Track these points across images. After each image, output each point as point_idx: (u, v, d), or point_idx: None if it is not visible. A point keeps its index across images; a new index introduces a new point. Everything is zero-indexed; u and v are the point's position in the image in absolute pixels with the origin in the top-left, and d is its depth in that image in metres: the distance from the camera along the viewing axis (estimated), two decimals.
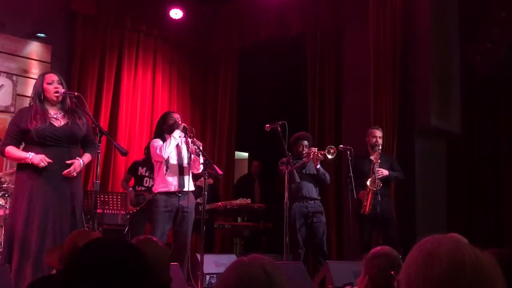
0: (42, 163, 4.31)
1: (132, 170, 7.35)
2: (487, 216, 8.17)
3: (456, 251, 1.32)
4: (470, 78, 8.04)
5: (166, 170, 5.52)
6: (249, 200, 7.61)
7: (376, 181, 6.30)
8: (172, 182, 5.55)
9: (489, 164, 8.32)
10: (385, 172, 6.43)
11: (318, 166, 6.45)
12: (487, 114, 8.39)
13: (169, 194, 5.54)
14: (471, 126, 8.24)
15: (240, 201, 7.56)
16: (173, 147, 5.55)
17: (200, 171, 5.63)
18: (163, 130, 5.70)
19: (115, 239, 1.51)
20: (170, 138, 5.53)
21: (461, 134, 7.89)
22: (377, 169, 6.36)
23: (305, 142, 6.62)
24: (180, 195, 5.54)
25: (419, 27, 7.45)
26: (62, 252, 2.67)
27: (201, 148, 5.52)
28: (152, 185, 7.18)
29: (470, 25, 7.82)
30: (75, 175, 4.48)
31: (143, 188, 7.16)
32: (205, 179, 5.32)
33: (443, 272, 1.30)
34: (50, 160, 4.34)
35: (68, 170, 4.41)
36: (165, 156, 5.49)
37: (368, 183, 6.33)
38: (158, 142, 5.60)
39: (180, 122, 5.60)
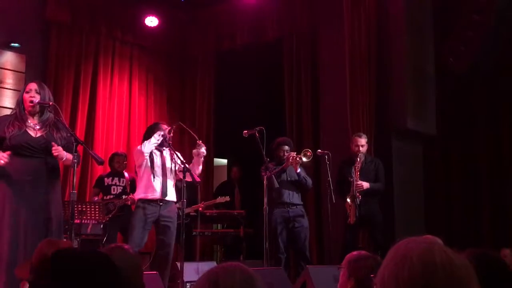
0: (2, 161, 4.25)
1: (98, 183, 7.49)
2: (465, 217, 8.25)
3: (427, 253, 1.34)
4: (444, 79, 8.13)
5: (154, 177, 5.55)
6: (228, 198, 7.72)
7: (356, 194, 6.32)
8: (156, 188, 5.56)
9: (465, 164, 8.42)
10: (365, 185, 6.40)
11: (299, 171, 6.44)
12: (462, 115, 8.49)
13: (150, 201, 5.52)
14: (447, 127, 8.33)
15: (219, 199, 7.78)
16: (153, 145, 5.58)
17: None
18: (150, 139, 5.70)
19: (83, 249, 1.49)
20: (152, 137, 5.57)
21: (437, 135, 7.97)
22: (356, 182, 6.35)
23: (286, 147, 6.62)
24: (161, 204, 5.53)
25: (394, 29, 7.52)
26: (31, 262, 2.65)
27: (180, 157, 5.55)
28: (120, 192, 7.22)
29: (444, 26, 7.92)
30: (64, 157, 4.44)
31: (111, 196, 7.23)
32: (183, 186, 5.29)
33: (414, 273, 1.31)
34: (6, 160, 4.27)
35: (55, 148, 4.37)
36: (146, 151, 5.53)
37: (348, 200, 6.35)
38: (142, 156, 5.64)
39: (167, 134, 5.60)
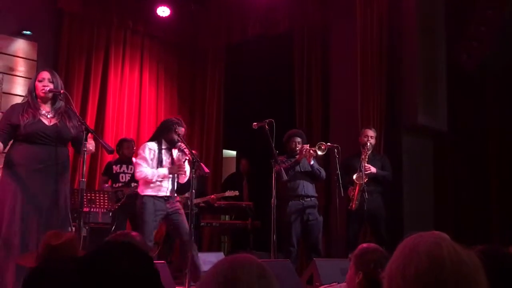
0: None
1: (107, 171, 7.46)
2: (474, 214, 8.22)
3: (435, 248, 1.32)
4: (456, 76, 8.08)
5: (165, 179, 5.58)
6: (237, 192, 7.76)
7: (363, 176, 6.32)
8: (166, 186, 5.60)
9: (475, 161, 8.37)
10: (373, 169, 6.45)
11: (312, 162, 6.43)
12: (473, 112, 8.44)
13: (159, 198, 5.55)
14: (458, 124, 8.29)
15: (228, 193, 7.77)
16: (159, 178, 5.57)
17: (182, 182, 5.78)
18: (163, 137, 5.67)
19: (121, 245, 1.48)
20: (161, 173, 5.54)
21: (448, 132, 7.92)
22: (365, 165, 6.39)
23: (298, 139, 6.60)
24: (167, 199, 5.58)
25: (406, 25, 7.48)
26: (37, 252, 2.67)
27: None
28: (129, 180, 7.22)
29: (457, 23, 7.86)
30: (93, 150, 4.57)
31: (120, 184, 7.22)
32: (192, 177, 5.30)
33: (421, 268, 1.31)
34: None
35: (90, 143, 4.48)
36: (150, 178, 5.52)
37: (354, 177, 6.36)
38: (149, 152, 5.58)
39: (180, 141, 5.54)
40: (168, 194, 5.60)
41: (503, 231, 7.98)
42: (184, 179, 5.69)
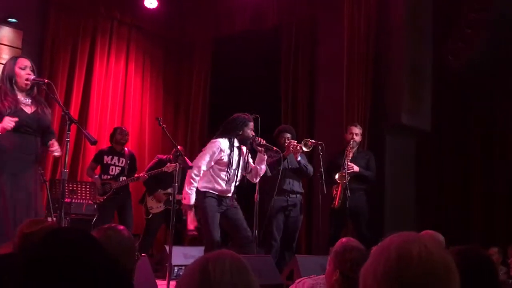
0: (10, 124, 4.23)
1: (98, 158, 7.26)
2: (455, 213, 8.30)
3: (405, 246, 1.31)
4: (441, 77, 8.15)
5: (228, 179, 5.34)
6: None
7: (345, 175, 6.34)
8: (228, 188, 5.37)
9: (457, 161, 8.46)
10: (356, 168, 6.47)
11: (299, 159, 6.42)
12: (457, 112, 8.53)
13: (219, 197, 5.37)
14: (441, 124, 8.36)
15: None
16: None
17: (257, 181, 5.60)
18: (234, 135, 5.40)
19: (72, 229, 1.48)
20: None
21: (431, 132, 7.99)
22: (348, 164, 6.41)
23: (288, 135, 6.58)
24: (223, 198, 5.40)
25: (393, 24, 7.52)
26: (14, 241, 2.65)
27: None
28: (118, 173, 7.16)
29: (443, 24, 7.92)
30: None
31: (108, 177, 7.10)
32: (175, 171, 5.28)
33: (390, 265, 1.29)
34: (16, 118, 4.25)
35: (55, 148, 4.40)
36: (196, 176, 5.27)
37: (336, 176, 6.38)
38: (218, 152, 5.31)
39: (254, 136, 5.36)
40: (226, 195, 5.40)
41: (484, 231, 8.09)
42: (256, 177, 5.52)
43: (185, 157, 5.41)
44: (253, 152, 5.58)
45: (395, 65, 7.45)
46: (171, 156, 7.11)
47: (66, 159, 4.38)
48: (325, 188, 6.25)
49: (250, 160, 5.51)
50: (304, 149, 6.31)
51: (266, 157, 5.47)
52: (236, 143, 5.38)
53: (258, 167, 5.46)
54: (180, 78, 9.94)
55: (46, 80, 4.55)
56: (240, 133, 5.37)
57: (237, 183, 5.47)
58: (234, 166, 5.36)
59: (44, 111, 4.51)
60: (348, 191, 6.32)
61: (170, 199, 5.40)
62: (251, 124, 5.41)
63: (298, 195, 6.46)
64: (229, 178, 5.33)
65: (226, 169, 5.31)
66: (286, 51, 8.81)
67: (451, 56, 7.49)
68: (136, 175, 7.16)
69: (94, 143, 4.58)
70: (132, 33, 9.31)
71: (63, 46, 8.33)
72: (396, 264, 1.29)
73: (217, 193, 5.33)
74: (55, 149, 4.42)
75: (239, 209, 5.48)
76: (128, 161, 7.21)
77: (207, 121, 9.75)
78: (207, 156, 5.30)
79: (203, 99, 9.75)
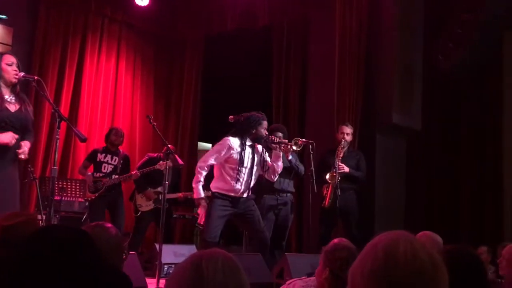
0: (13, 140, 4.22)
1: (91, 157, 7.23)
2: (445, 213, 8.34)
3: (392, 244, 1.31)
4: (431, 76, 8.19)
5: (239, 178, 5.27)
6: (209, 193, 7.60)
7: (336, 175, 6.35)
8: (239, 188, 5.30)
9: (447, 161, 8.49)
10: (346, 169, 6.48)
11: (290, 158, 6.41)
12: (447, 112, 8.57)
13: (229, 197, 5.31)
14: (431, 124, 8.40)
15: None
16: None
17: (275, 179, 5.54)
18: (247, 134, 5.34)
19: (65, 225, 1.48)
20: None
21: (421, 131, 8.02)
22: (338, 164, 6.42)
23: (279, 134, 6.56)
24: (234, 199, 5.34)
25: (384, 24, 7.54)
26: None
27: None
28: (111, 171, 7.13)
29: (434, 24, 7.95)
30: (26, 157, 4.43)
31: (101, 175, 7.07)
32: (166, 168, 5.27)
33: (376, 264, 1.29)
34: (16, 136, 4.24)
35: (23, 150, 4.35)
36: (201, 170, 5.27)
37: (327, 177, 6.39)
38: (228, 149, 5.27)
39: (267, 135, 5.33)
40: (239, 195, 5.35)
41: (473, 230, 8.13)
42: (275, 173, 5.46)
43: (176, 155, 5.40)
44: (269, 150, 5.57)
45: (386, 65, 7.47)
46: (162, 154, 7.09)
47: (56, 156, 4.36)
48: (315, 187, 6.25)
49: (268, 159, 5.47)
50: (294, 148, 6.31)
51: (281, 153, 5.43)
52: (248, 142, 5.32)
53: (275, 165, 5.42)
54: (171, 76, 9.92)
55: (36, 77, 4.52)
56: (254, 131, 5.33)
57: (252, 182, 5.39)
58: (246, 165, 5.29)
59: (27, 109, 4.48)
60: (339, 190, 6.33)
61: (160, 197, 5.38)
62: (265, 123, 5.38)
63: (288, 194, 6.46)
64: (241, 178, 5.27)
65: (237, 168, 5.25)
66: (278, 50, 8.82)
67: (442, 56, 7.52)
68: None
69: (84, 140, 4.55)
70: (123, 30, 9.28)
71: (54, 43, 8.28)
72: (384, 263, 1.29)
73: (226, 193, 5.27)
74: (22, 151, 4.36)
75: (256, 210, 5.42)
76: (122, 161, 7.19)
77: (198, 119, 9.74)
78: (215, 152, 5.31)
79: (194, 97, 9.73)
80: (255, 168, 5.38)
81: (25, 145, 4.40)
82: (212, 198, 5.30)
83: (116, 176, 7.04)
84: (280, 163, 5.43)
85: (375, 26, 7.60)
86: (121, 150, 7.32)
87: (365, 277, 1.31)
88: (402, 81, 7.53)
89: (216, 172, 5.37)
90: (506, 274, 3.76)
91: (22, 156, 4.39)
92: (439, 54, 7.59)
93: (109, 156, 7.15)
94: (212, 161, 5.28)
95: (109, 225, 2.42)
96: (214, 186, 5.32)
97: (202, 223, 5.41)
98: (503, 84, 8.26)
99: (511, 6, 7.75)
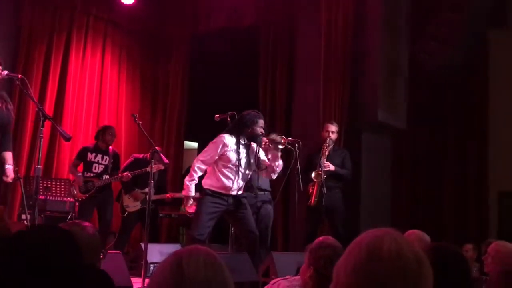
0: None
1: (81, 155, 7.14)
2: (430, 211, 8.40)
3: (376, 241, 1.30)
4: (417, 75, 8.24)
5: (232, 176, 5.22)
6: (197, 195, 7.58)
7: (321, 173, 6.36)
8: (232, 186, 5.26)
9: (433, 159, 8.56)
10: (331, 167, 6.49)
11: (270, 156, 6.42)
12: (433, 110, 8.63)
13: (220, 194, 5.28)
14: (417, 121, 8.46)
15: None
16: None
17: (274, 177, 5.49)
18: (242, 132, 5.27)
19: (46, 225, 1.48)
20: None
21: (407, 129, 8.07)
22: (324, 162, 6.43)
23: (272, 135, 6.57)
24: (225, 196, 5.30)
25: (370, 23, 7.56)
26: None
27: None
28: (101, 171, 7.08)
29: (419, 23, 7.99)
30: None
31: (92, 175, 7.00)
32: (151, 168, 5.26)
33: (360, 260, 1.29)
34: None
35: (6, 178, 4.32)
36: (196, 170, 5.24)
37: (312, 175, 6.40)
38: (220, 146, 5.18)
39: (262, 134, 5.25)
40: (234, 193, 5.33)
41: (458, 228, 8.19)
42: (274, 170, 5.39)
43: (161, 154, 5.38)
44: (265, 150, 5.55)
45: (372, 63, 7.50)
46: (148, 155, 7.06)
47: (40, 155, 4.33)
48: (301, 186, 6.27)
49: (264, 158, 5.41)
50: (280, 147, 6.31)
51: (279, 153, 5.37)
52: (243, 140, 5.26)
53: (273, 164, 5.35)
54: (157, 75, 9.86)
55: (19, 76, 4.47)
56: (249, 130, 5.25)
57: (245, 181, 5.36)
58: (240, 164, 5.24)
59: (8, 108, 4.44)
60: (324, 188, 6.34)
61: (147, 198, 5.36)
62: (261, 122, 5.29)
63: (266, 193, 6.46)
64: (234, 176, 5.23)
65: (230, 166, 5.21)
66: (264, 49, 8.81)
67: (426, 55, 7.56)
68: (120, 174, 7.06)
69: (68, 139, 4.53)
70: (109, 29, 9.21)
71: (39, 41, 8.21)
72: (367, 260, 1.28)
73: (218, 190, 5.23)
74: (7, 176, 4.36)
75: (248, 209, 5.39)
76: (112, 160, 7.13)
77: (185, 118, 9.71)
78: (209, 149, 5.25)
79: (180, 96, 9.69)
80: (248, 167, 5.35)
81: (9, 172, 4.37)
82: (203, 194, 5.26)
83: (107, 177, 6.99)
84: (278, 162, 5.37)
85: (360, 25, 7.63)
86: (110, 147, 7.25)
87: (349, 274, 1.30)
88: (387, 79, 7.57)
89: (209, 168, 5.34)
90: (491, 271, 3.80)
91: (9, 180, 4.37)
92: (424, 53, 7.63)
93: (99, 156, 7.07)
94: (206, 158, 5.24)
95: (87, 223, 2.40)
96: (206, 182, 5.29)
97: (192, 212, 5.40)
98: (488, 82, 8.34)
99: (495, 4, 7.84)
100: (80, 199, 6.92)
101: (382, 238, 1.31)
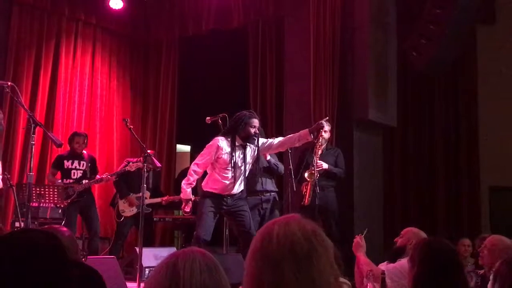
0: None
1: (57, 164, 7.11)
2: (422, 208, 8.44)
3: (269, 226, 1.46)
4: (406, 73, 8.28)
5: (229, 178, 5.23)
6: (193, 198, 7.60)
7: (314, 173, 6.37)
8: (230, 187, 5.28)
9: (424, 156, 8.60)
10: (325, 166, 6.49)
11: (269, 158, 6.42)
12: (423, 107, 8.67)
13: (219, 195, 5.30)
14: (407, 119, 8.50)
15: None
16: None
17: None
18: (236, 133, 5.23)
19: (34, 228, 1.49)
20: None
21: (397, 127, 8.11)
22: (317, 162, 6.43)
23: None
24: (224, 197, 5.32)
25: (358, 21, 7.58)
26: None
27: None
28: (80, 177, 7.05)
29: (408, 20, 8.02)
30: None
31: (71, 181, 6.98)
32: (144, 171, 5.26)
33: (256, 246, 1.44)
34: None
35: None
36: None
37: (306, 175, 6.40)
38: (216, 150, 5.21)
39: (256, 132, 5.23)
40: (230, 193, 5.35)
41: (450, 223, 8.24)
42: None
43: (153, 158, 5.38)
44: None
45: (361, 62, 7.51)
46: (141, 159, 7.05)
47: (32, 162, 4.32)
48: (295, 186, 6.28)
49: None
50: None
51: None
52: (238, 142, 5.23)
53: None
54: (148, 78, 9.86)
55: (9, 83, 4.48)
56: (242, 130, 5.21)
57: (243, 181, 5.36)
58: (237, 165, 5.23)
59: None
60: (318, 188, 6.35)
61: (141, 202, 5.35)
62: (254, 121, 5.22)
63: (272, 193, 6.48)
64: (231, 178, 5.23)
65: (227, 168, 5.21)
66: (253, 50, 8.83)
67: (415, 53, 7.59)
68: (98, 176, 7.05)
69: (59, 146, 4.54)
70: (98, 34, 9.21)
71: (28, 48, 8.20)
72: (260, 245, 1.42)
73: (217, 192, 5.25)
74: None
75: (247, 211, 5.40)
76: (89, 164, 7.12)
77: (176, 121, 9.70)
78: (204, 153, 5.28)
79: (171, 99, 9.68)
80: (247, 168, 5.34)
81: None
82: (203, 197, 5.31)
83: (86, 181, 6.97)
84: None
85: (349, 24, 7.64)
86: (85, 151, 7.19)
87: (249, 258, 1.44)
88: (377, 77, 7.59)
89: (208, 171, 5.38)
90: (487, 263, 3.83)
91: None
92: (412, 51, 7.66)
93: (76, 162, 7.05)
94: (202, 162, 5.26)
95: (64, 228, 2.43)
96: (205, 185, 5.34)
97: (188, 210, 5.43)
98: (477, 79, 8.38)
99: (483, 1, 7.88)
100: (62, 206, 6.91)
101: (275, 225, 1.46)
